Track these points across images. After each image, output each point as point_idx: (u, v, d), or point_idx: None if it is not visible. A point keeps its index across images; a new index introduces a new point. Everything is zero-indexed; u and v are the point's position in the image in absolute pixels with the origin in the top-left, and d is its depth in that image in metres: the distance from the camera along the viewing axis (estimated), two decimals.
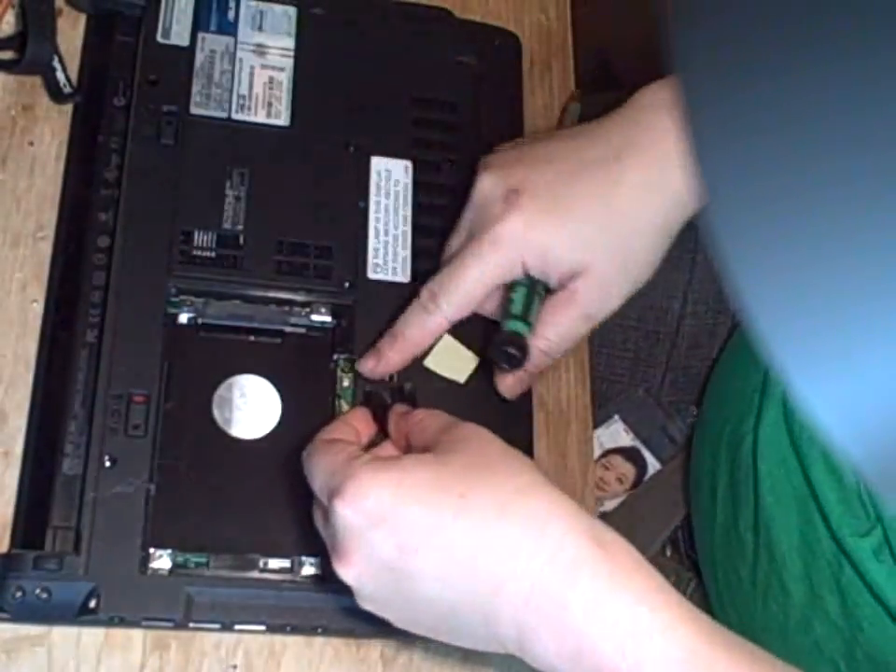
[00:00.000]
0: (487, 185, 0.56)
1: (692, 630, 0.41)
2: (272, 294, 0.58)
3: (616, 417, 0.86)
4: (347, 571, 0.45)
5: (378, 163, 0.62)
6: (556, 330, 0.56)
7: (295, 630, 0.54)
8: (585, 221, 0.55)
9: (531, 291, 0.56)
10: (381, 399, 0.56)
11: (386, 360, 0.56)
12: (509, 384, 0.58)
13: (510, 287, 0.56)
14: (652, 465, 0.84)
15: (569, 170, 0.55)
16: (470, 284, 0.55)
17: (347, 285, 0.59)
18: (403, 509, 0.44)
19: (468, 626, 0.44)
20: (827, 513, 0.57)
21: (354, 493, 0.44)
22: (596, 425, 0.83)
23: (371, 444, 0.52)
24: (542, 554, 0.42)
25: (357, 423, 0.53)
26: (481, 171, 0.57)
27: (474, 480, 0.44)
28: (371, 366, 0.56)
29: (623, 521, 0.79)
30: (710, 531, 0.68)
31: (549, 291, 0.57)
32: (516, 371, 0.56)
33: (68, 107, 0.61)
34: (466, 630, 0.45)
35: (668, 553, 0.78)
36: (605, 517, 0.80)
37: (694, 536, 0.74)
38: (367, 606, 0.46)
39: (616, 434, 0.86)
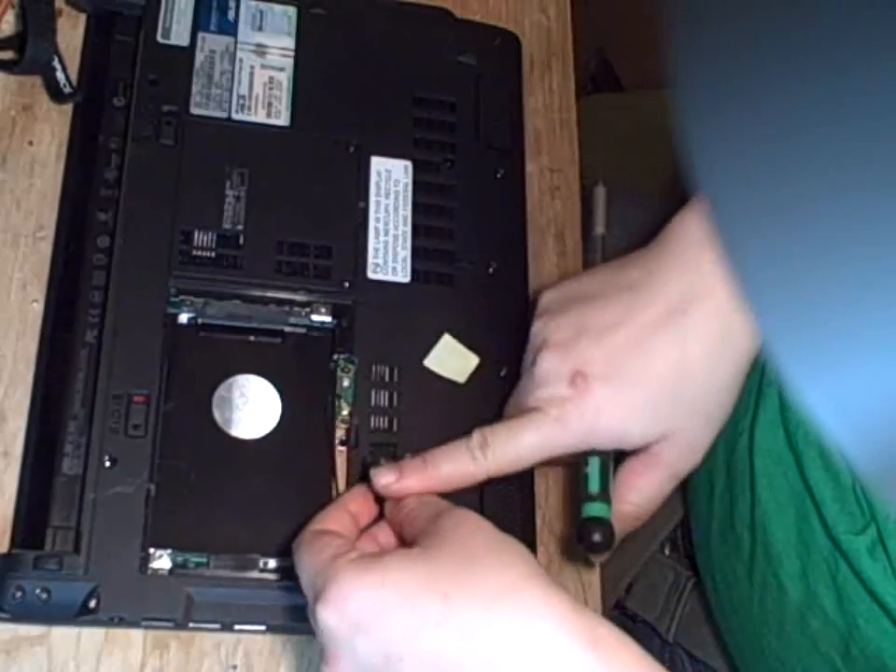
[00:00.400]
0: (549, 366, 0.53)
1: None
2: (272, 294, 0.58)
3: None
4: None
5: (378, 163, 0.62)
6: (640, 494, 0.54)
7: (295, 630, 0.54)
8: (659, 394, 0.52)
9: (605, 463, 0.54)
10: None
11: (405, 484, 0.52)
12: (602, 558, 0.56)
13: (581, 461, 0.54)
14: None
15: (635, 338, 0.52)
16: (526, 452, 0.52)
17: (347, 285, 0.59)
18: (386, 615, 0.42)
19: None
20: (823, 511, 0.58)
21: (335, 597, 0.42)
22: None
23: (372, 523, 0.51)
24: (531, 657, 0.41)
25: (355, 505, 0.51)
26: (538, 347, 0.54)
27: (460, 577, 0.42)
28: (386, 482, 0.51)
29: None
30: (707, 531, 0.68)
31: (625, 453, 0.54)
32: (605, 552, 0.54)
33: (68, 107, 0.61)
34: None
35: (667, 552, 0.78)
36: None
37: (692, 534, 0.74)
38: None
39: None
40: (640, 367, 0.52)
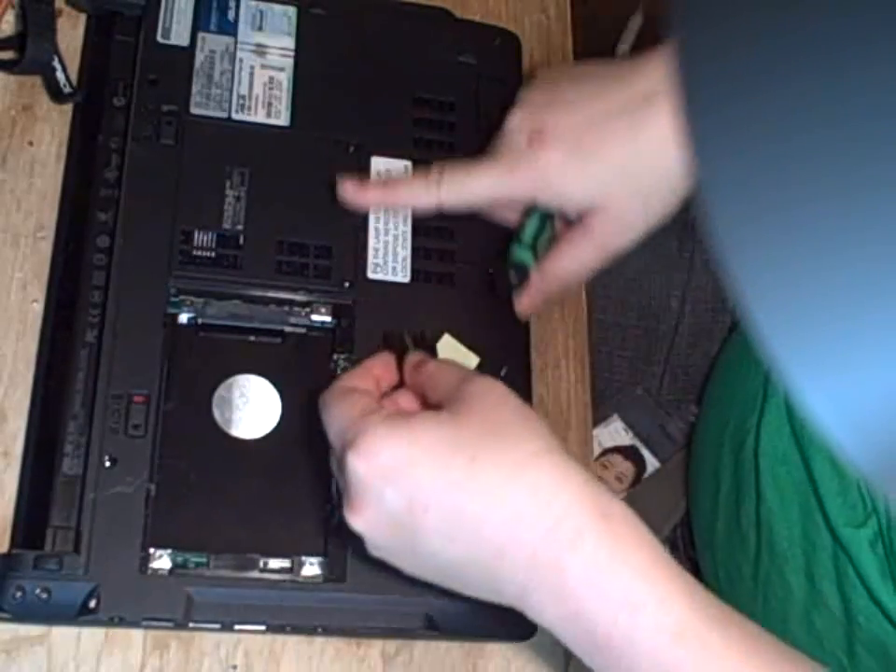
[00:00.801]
0: (515, 121, 0.59)
1: (686, 605, 0.42)
2: (272, 294, 0.58)
3: (615, 416, 0.86)
4: (358, 520, 0.46)
5: (378, 163, 0.62)
6: (573, 263, 0.58)
7: (295, 630, 0.54)
8: (607, 165, 0.56)
9: (543, 220, 0.59)
10: (401, 343, 0.56)
11: (364, 194, 0.59)
12: (524, 308, 0.60)
13: (525, 213, 0.60)
14: (651, 463, 0.84)
15: (596, 114, 0.57)
16: (476, 189, 0.58)
17: (347, 285, 0.59)
18: (414, 469, 0.44)
19: (472, 581, 0.46)
20: (825, 505, 0.58)
21: (367, 448, 0.45)
22: (595, 423, 0.83)
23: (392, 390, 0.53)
24: (546, 522, 0.43)
25: (378, 370, 0.53)
26: (514, 106, 0.60)
27: (486, 443, 0.45)
28: (350, 189, 0.59)
29: None
30: (712, 530, 0.68)
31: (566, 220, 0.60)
32: (518, 290, 0.60)
33: (68, 107, 0.61)
34: (471, 584, 0.46)
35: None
36: None
37: (694, 535, 0.74)
38: (375, 554, 0.47)
39: (615, 433, 0.86)
40: (595, 140, 0.56)
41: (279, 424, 0.57)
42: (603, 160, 0.56)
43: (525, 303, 0.60)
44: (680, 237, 0.84)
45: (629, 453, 0.85)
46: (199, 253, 0.57)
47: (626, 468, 0.85)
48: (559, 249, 0.59)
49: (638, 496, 0.82)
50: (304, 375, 0.58)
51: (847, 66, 0.19)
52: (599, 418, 0.85)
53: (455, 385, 0.48)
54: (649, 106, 0.56)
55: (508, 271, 0.60)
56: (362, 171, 0.61)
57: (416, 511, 0.44)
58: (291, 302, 0.58)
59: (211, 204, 0.58)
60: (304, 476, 0.56)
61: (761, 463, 0.63)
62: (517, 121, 0.59)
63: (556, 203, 0.58)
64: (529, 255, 0.59)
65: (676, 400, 0.85)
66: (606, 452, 0.85)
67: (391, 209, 0.60)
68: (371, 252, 0.60)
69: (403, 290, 0.60)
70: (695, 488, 0.73)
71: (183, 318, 0.57)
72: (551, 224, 0.60)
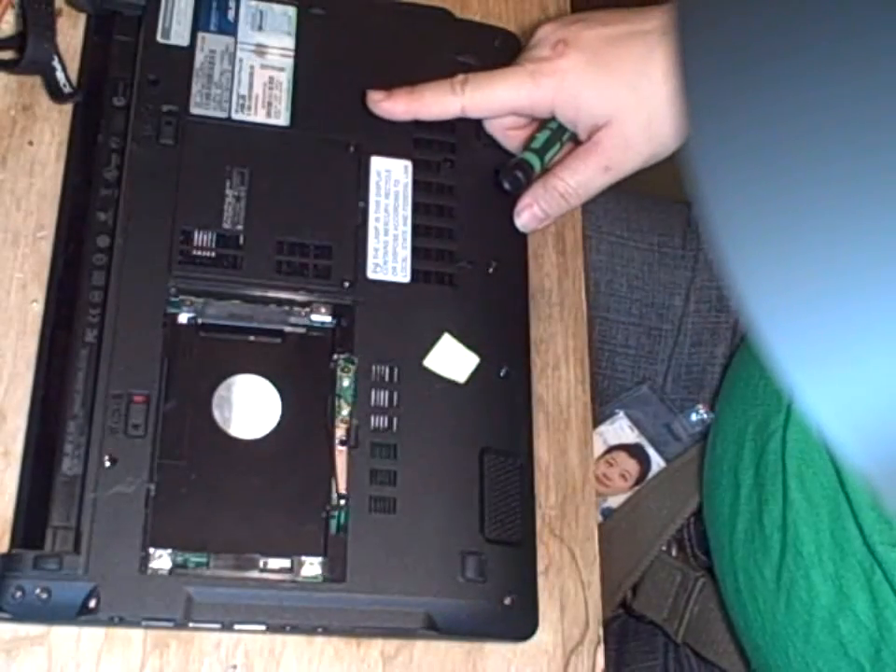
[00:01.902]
0: (542, 33, 0.63)
1: None
2: (272, 294, 0.58)
3: (620, 414, 0.86)
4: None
5: (378, 163, 0.62)
6: (575, 177, 0.61)
7: (295, 630, 0.54)
8: (619, 79, 0.60)
9: (555, 134, 0.62)
10: None
11: (393, 103, 0.62)
12: (522, 218, 0.63)
13: (538, 127, 0.63)
14: (656, 462, 0.84)
15: (617, 34, 0.61)
16: (499, 93, 0.61)
17: (347, 285, 0.59)
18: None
19: None
20: (859, 517, 0.57)
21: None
22: (601, 421, 0.83)
23: None
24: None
25: None
26: (542, 23, 0.64)
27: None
28: (378, 98, 0.62)
29: (628, 518, 0.79)
30: (731, 530, 0.68)
31: (576, 142, 0.63)
32: (517, 193, 0.62)
33: (68, 107, 0.61)
34: None
35: (674, 553, 0.77)
36: (609, 514, 0.80)
37: (709, 535, 0.73)
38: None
39: (620, 430, 0.85)
40: (612, 53, 0.61)
41: (279, 424, 0.57)
42: (616, 73, 0.60)
43: (524, 215, 0.62)
44: (684, 235, 0.84)
45: (634, 451, 0.85)
46: (199, 253, 0.57)
47: (631, 465, 0.85)
48: (564, 162, 0.61)
49: (644, 494, 0.82)
50: (304, 375, 0.58)
51: (848, 65, 0.19)
52: (604, 416, 0.84)
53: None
54: (662, 36, 0.60)
55: (508, 175, 0.61)
56: (362, 171, 0.61)
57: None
58: (291, 302, 0.58)
59: (211, 204, 0.58)
60: (304, 476, 0.56)
61: (788, 465, 0.62)
62: (544, 33, 0.63)
63: (572, 113, 0.61)
64: (537, 160, 0.61)
65: (679, 399, 0.85)
66: (611, 449, 0.85)
67: (420, 117, 0.62)
68: (370, 252, 0.60)
69: (403, 290, 0.60)
70: (712, 487, 0.73)
71: (183, 318, 0.57)
72: (561, 141, 0.62)
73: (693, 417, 0.84)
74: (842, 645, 0.58)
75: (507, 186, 0.62)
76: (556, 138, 0.62)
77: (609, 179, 0.61)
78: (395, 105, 0.62)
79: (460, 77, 0.62)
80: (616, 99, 0.60)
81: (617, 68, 0.60)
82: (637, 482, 0.83)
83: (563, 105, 0.61)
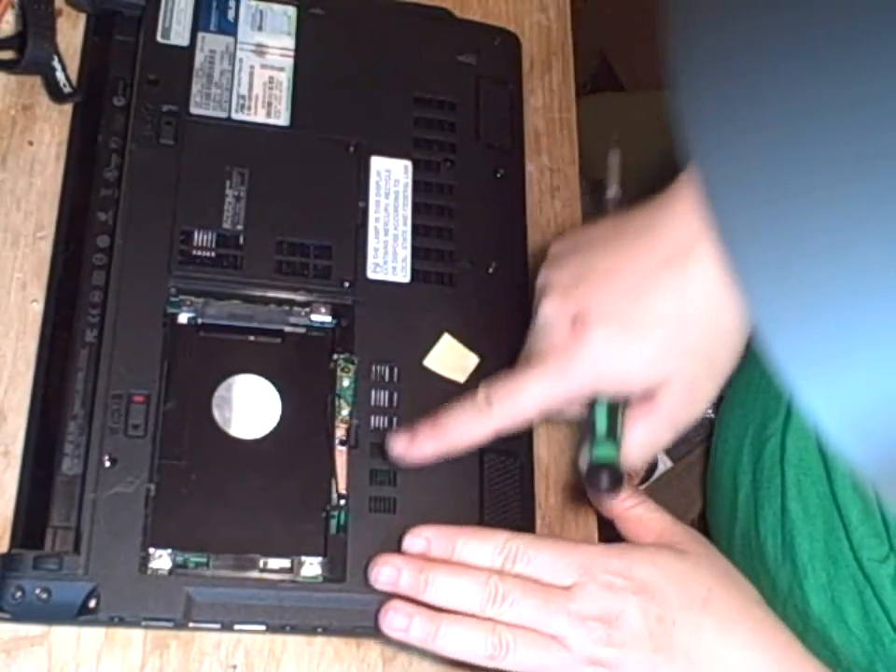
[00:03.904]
0: (549, 310, 0.53)
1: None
2: (272, 294, 0.58)
3: None
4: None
5: (378, 163, 0.62)
6: (638, 443, 0.53)
7: (295, 630, 0.54)
8: (660, 335, 0.51)
9: (612, 408, 0.53)
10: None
11: (420, 446, 0.54)
12: (605, 507, 0.56)
13: (590, 405, 0.54)
14: (663, 462, 0.84)
15: (636, 282, 0.52)
16: (530, 403, 0.52)
17: (347, 284, 0.59)
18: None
19: None
20: (849, 529, 0.57)
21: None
22: None
23: None
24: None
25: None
26: (541, 292, 0.54)
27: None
28: (402, 447, 0.54)
29: None
30: (729, 534, 0.68)
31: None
32: (613, 495, 0.54)
33: (68, 107, 0.61)
34: None
35: None
36: None
37: (711, 537, 0.73)
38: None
39: None
40: (640, 311, 0.51)
41: (279, 424, 0.57)
42: (654, 332, 0.51)
43: (606, 506, 0.56)
44: None
45: None
46: (199, 253, 0.57)
47: None
48: (624, 434, 0.53)
49: (650, 495, 0.82)
50: (304, 375, 0.58)
51: (848, 65, 0.19)
52: None
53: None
54: (686, 262, 0.51)
55: (594, 482, 0.52)
56: (362, 171, 0.61)
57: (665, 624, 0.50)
58: (291, 302, 0.58)
59: (211, 204, 0.58)
60: (304, 476, 0.56)
61: (786, 471, 0.62)
62: (551, 310, 0.53)
63: (618, 390, 0.52)
64: (611, 450, 0.53)
65: None
66: None
67: (450, 447, 0.54)
68: (370, 252, 0.60)
69: (403, 290, 0.60)
70: (714, 490, 0.73)
71: (183, 318, 0.57)
72: (621, 408, 0.53)
73: (703, 418, 0.84)
74: (835, 656, 0.57)
75: (603, 493, 0.53)
76: (615, 408, 0.53)
77: (677, 432, 0.54)
78: (422, 450, 0.54)
79: (481, 395, 0.53)
80: (663, 358, 0.51)
81: (652, 324, 0.51)
82: (643, 480, 0.83)
83: (607, 387, 0.52)
